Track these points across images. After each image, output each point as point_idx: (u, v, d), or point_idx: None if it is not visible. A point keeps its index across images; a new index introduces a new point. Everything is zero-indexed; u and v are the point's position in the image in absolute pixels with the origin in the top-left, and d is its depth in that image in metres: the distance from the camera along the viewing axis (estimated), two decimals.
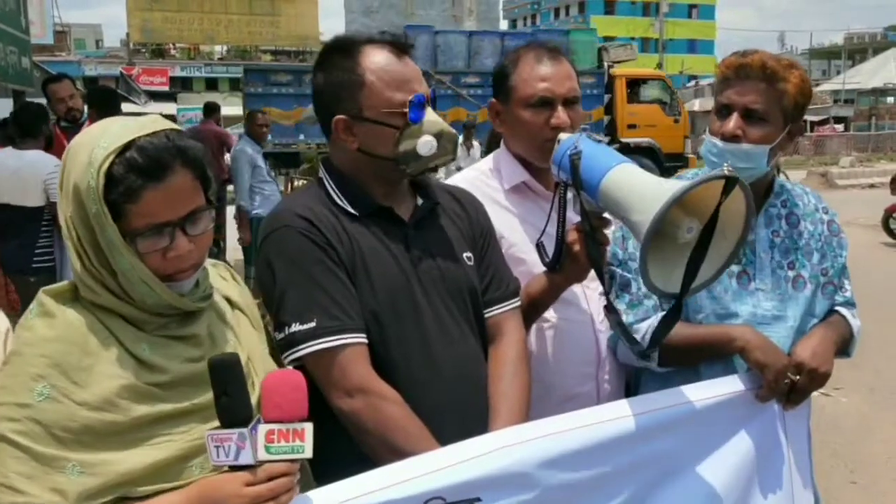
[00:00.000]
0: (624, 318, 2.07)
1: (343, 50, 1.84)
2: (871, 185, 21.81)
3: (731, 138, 2.00)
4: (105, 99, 6.23)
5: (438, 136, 1.81)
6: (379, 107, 1.79)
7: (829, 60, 70.88)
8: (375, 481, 1.49)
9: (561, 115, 2.11)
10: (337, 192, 1.86)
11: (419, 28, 18.13)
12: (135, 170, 1.38)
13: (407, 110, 1.78)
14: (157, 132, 1.43)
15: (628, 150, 16.63)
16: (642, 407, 1.78)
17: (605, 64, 18.21)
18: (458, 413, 1.80)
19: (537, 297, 2.02)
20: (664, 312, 1.92)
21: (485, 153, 2.77)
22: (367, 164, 1.84)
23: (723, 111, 2.05)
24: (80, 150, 1.42)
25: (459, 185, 2.16)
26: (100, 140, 1.40)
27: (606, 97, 17.85)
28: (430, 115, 1.82)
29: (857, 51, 64.94)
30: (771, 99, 2.00)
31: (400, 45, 1.84)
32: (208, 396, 1.35)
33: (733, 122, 2.01)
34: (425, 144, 1.79)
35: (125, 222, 1.40)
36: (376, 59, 1.80)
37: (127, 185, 1.38)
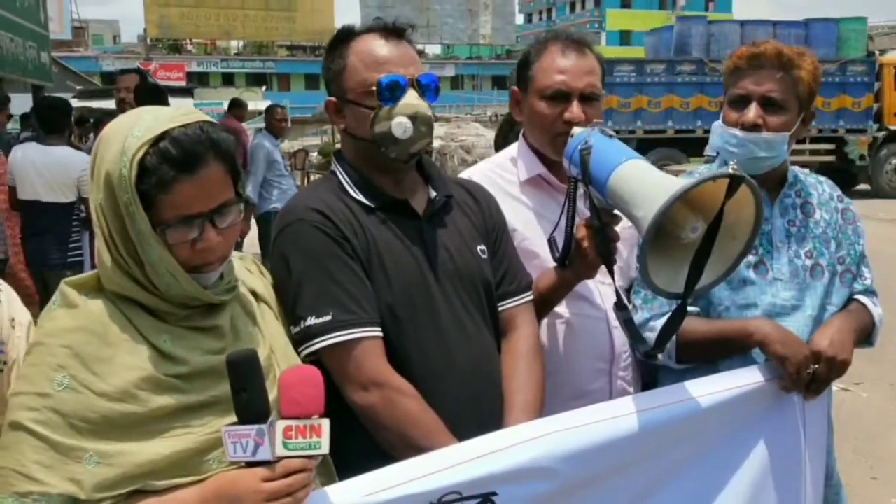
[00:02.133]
0: (639, 313, 2.06)
1: (342, 39, 1.87)
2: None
3: (752, 127, 2.00)
4: (153, 98, 6.12)
5: (413, 118, 1.79)
6: (357, 88, 1.81)
7: None
8: (392, 477, 1.48)
9: (575, 109, 2.08)
10: (350, 183, 1.86)
11: (692, 20, 18.80)
12: (168, 161, 1.38)
13: (375, 90, 1.79)
14: (191, 123, 1.42)
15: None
16: (660, 400, 1.78)
17: (876, 52, 18.46)
18: (473, 406, 1.79)
19: (547, 292, 2.01)
20: (669, 313, 1.91)
21: (497, 142, 2.75)
22: (360, 150, 1.86)
23: (739, 101, 2.05)
24: (113, 138, 1.42)
25: (474, 179, 2.16)
26: (133, 129, 1.40)
27: (876, 85, 17.95)
28: (408, 98, 1.80)
29: None
30: (787, 87, 2.01)
31: (392, 30, 1.85)
32: (228, 389, 1.35)
33: (753, 111, 2.01)
34: (399, 126, 1.78)
35: (156, 213, 1.40)
36: (363, 44, 1.83)
37: (160, 176, 1.38)
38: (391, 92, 1.78)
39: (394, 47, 1.84)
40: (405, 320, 1.77)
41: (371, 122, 1.79)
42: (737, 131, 2.03)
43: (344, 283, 1.72)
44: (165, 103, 5.75)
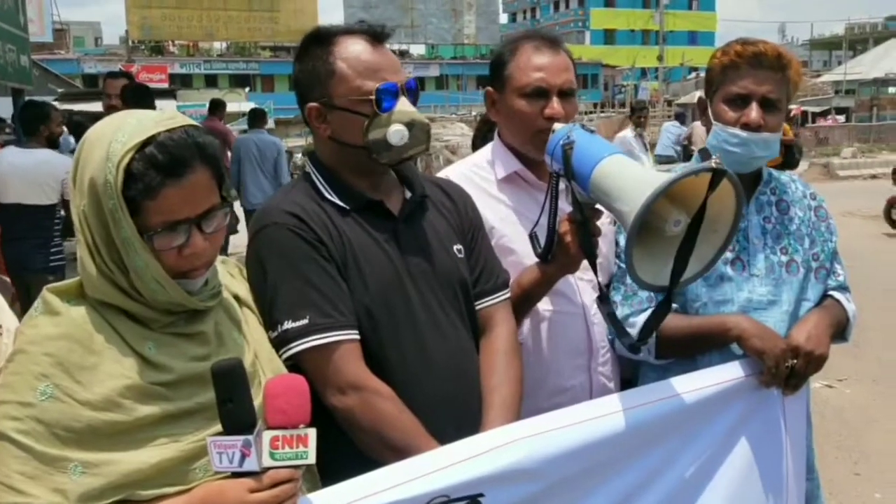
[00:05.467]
0: (619, 309, 2.07)
1: (319, 40, 1.84)
2: (873, 176, 21.74)
3: (756, 128, 2.01)
4: (140, 98, 5.77)
5: (410, 125, 1.79)
6: (348, 95, 1.79)
7: (830, 51, 70.79)
8: (378, 482, 1.48)
9: (555, 105, 2.10)
10: (325, 186, 1.85)
11: None
12: (155, 167, 1.36)
13: (374, 98, 1.77)
14: (177, 128, 1.41)
15: None
16: (642, 398, 1.79)
17: None
18: (451, 406, 1.80)
19: (529, 288, 2.01)
20: (648, 309, 1.93)
21: (474, 143, 2.75)
22: (343, 154, 1.84)
23: (737, 100, 2.05)
24: (96, 143, 1.40)
25: (451, 178, 2.16)
26: (117, 134, 1.38)
27: None
28: (402, 105, 1.80)
29: (858, 41, 64.76)
30: (783, 87, 2.04)
31: (376, 34, 1.84)
32: (213, 396, 1.34)
33: (756, 111, 2.02)
34: (395, 134, 1.78)
35: (141, 219, 1.38)
36: (349, 48, 1.81)
37: (146, 182, 1.36)
38: (388, 100, 1.78)
39: (382, 53, 1.83)
40: (382, 321, 1.77)
41: (365, 130, 1.78)
42: (738, 131, 2.03)
43: (320, 287, 1.71)
44: (152, 105, 5.62)
